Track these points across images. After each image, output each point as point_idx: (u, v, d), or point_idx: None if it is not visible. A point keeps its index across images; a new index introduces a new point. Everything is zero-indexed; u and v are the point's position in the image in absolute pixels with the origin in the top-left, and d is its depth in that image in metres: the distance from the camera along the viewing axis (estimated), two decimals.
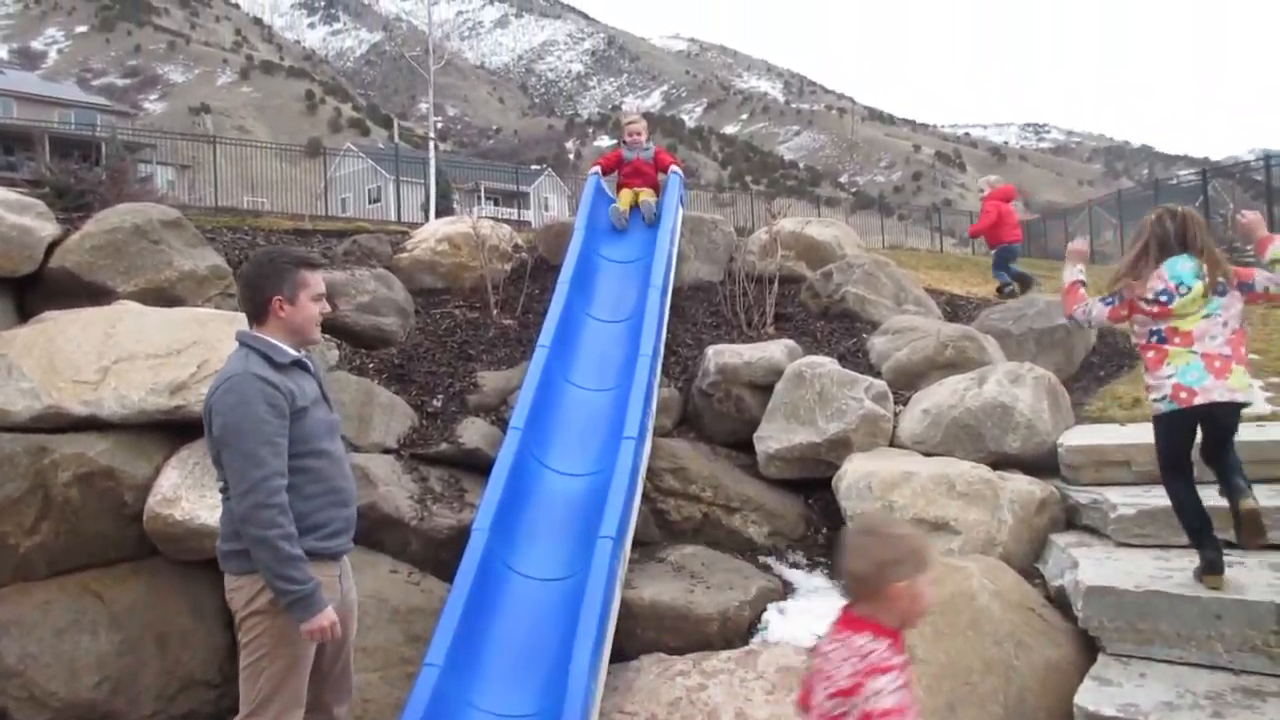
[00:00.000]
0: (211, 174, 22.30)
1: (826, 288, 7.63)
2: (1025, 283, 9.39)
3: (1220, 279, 3.86)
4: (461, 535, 4.71)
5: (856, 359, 6.58)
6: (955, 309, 8.54)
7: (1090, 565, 4.06)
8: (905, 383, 6.15)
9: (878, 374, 6.18)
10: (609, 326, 6.52)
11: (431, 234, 7.96)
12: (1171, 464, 4.00)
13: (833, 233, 8.68)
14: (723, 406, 6.06)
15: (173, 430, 4.97)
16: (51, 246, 5.71)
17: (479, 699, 4.05)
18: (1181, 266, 3.89)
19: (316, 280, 3.39)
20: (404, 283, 7.17)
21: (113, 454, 4.72)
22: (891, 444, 5.58)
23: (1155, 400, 3.97)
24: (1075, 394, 6.37)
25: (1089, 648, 3.84)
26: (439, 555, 4.92)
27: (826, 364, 5.86)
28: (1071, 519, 4.84)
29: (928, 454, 5.35)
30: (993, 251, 10.11)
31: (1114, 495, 4.56)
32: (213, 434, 3.22)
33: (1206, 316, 3.86)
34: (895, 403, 5.82)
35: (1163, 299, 3.89)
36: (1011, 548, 4.58)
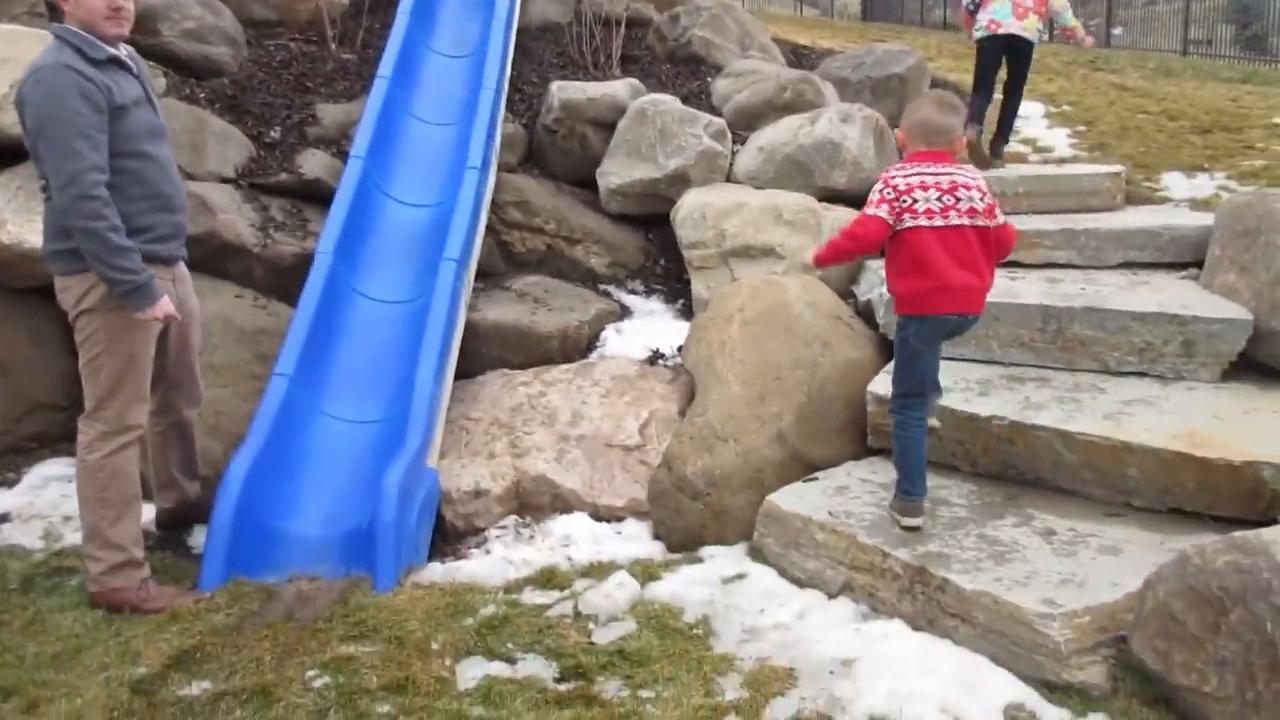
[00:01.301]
0: None
1: (673, 31, 7.61)
2: None
3: None
4: (305, 262, 4.75)
5: (699, 101, 6.70)
6: (799, 58, 8.66)
7: None
8: (745, 124, 6.33)
9: (719, 114, 6.34)
10: (452, 62, 6.38)
11: None
12: (981, 81, 6.27)
13: None
14: (566, 143, 6.14)
15: None
16: None
17: (329, 407, 4.25)
18: None
19: None
20: (233, 12, 6.75)
21: None
22: (728, 180, 5.83)
23: (978, 34, 6.12)
24: None
25: (887, 351, 4.31)
26: (283, 282, 4.96)
27: (668, 102, 5.96)
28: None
29: (761, 188, 5.62)
30: None
31: None
32: (26, 127, 3.13)
33: None
34: (734, 142, 6.02)
35: None
36: (830, 270, 4.96)
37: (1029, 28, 5.98)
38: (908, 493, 3.24)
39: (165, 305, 3.24)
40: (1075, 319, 3.98)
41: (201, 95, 5.91)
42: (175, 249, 3.53)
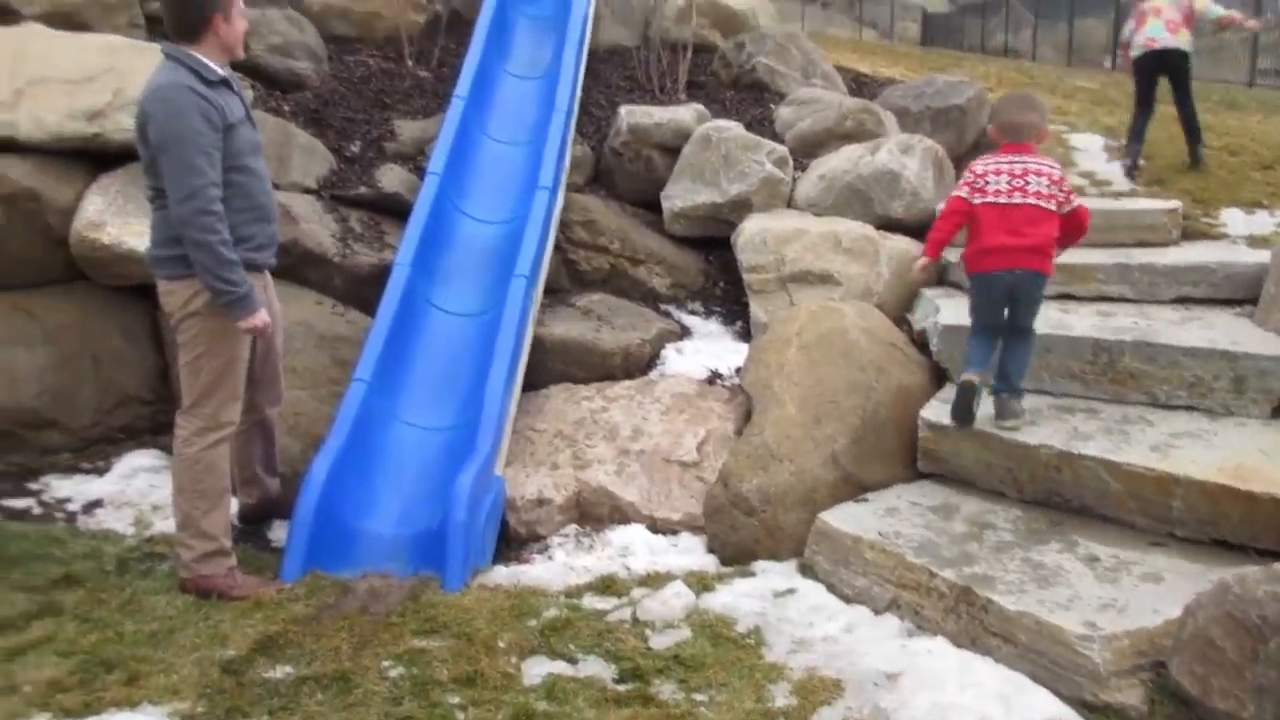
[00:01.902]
0: None
1: (738, 57, 7.79)
2: None
3: None
4: (382, 273, 4.99)
5: (762, 127, 6.87)
6: (861, 86, 8.79)
7: (949, 310, 4.62)
8: (806, 151, 6.49)
9: (781, 141, 6.50)
10: (525, 83, 6.62)
11: None
12: (1142, 98, 6.98)
13: (749, 3, 8.73)
14: (633, 166, 6.35)
15: (92, 158, 5.03)
16: None
17: (404, 413, 4.47)
18: None
19: None
20: (316, 28, 7.06)
21: (35, 176, 4.80)
22: (789, 206, 5.99)
23: (1135, 54, 6.93)
24: (963, 169, 6.81)
25: (939, 378, 4.45)
26: (361, 291, 5.20)
27: (733, 128, 6.14)
28: (942, 276, 5.36)
29: (820, 215, 5.77)
30: None
31: None
32: (148, 141, 3.36)
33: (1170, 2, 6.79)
34: (795, 169, 6.18)
35: None
36: (886, 298, 5.10)
37: (1182, 40, 6.77)
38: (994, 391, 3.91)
39: (262, 316, 3.49)
40: (1126, 352, 4.08)
41: (286, 108, 6.21)
42: (269, 257, 3.77)
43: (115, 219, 4.83)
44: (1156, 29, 6.79)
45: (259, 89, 6.17)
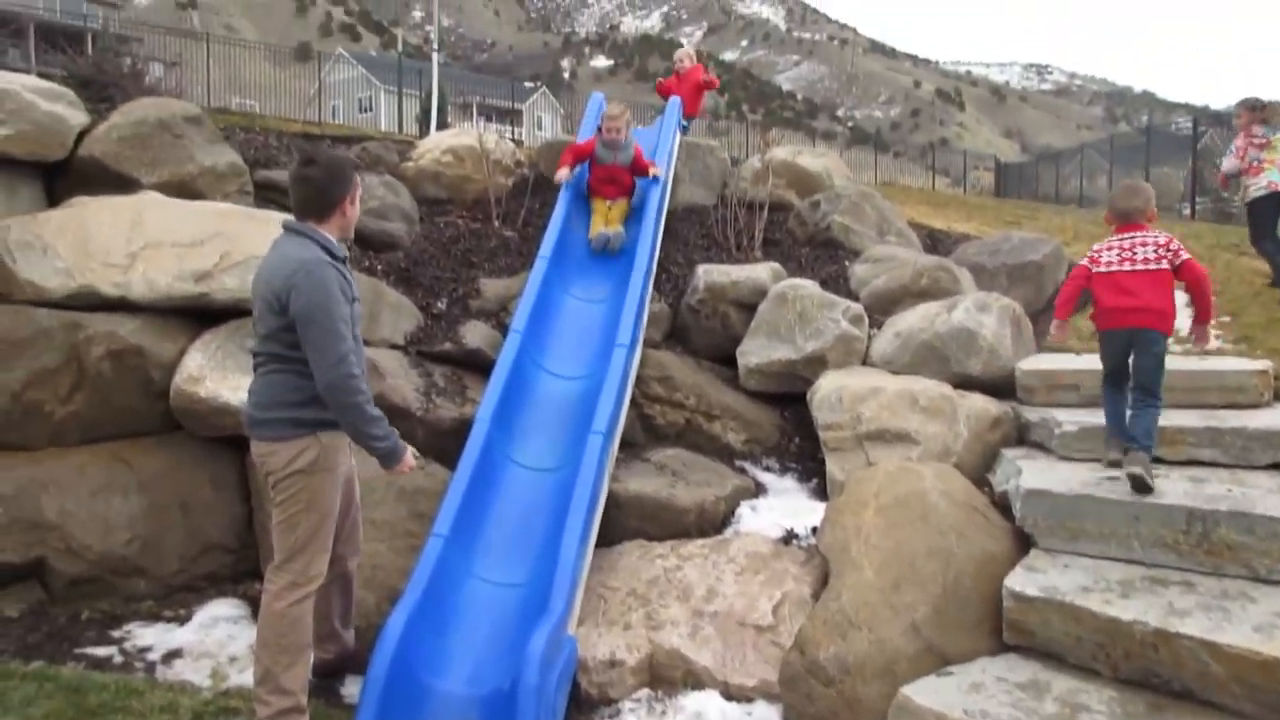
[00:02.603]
0: (199, 73, 22.10)
1: (813, 216, 7.98)
2: None
3: None
4: (463, 427, 5.11)
5: (837, 284, 6.97)
6: (935, 242, 8.91)
7: (1032, 473, 4.52)
8: (881, 308, 6.55)
9: (856, 299, 6.58)
10: None
11: (436, 145, 8.23)
12: (1267, 233, 7.61)
13: (823, 163, 9.00)
14: (709, 322, 6.47)
15: (195, 316, 5.33)
16: (81, 136, 5.97)
17: (479, 569, 4.49)
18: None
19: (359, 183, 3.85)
20: (410, 191, 7.48)
21: (141, 333, 5.10)
22: (864, 363, 6.01)
23: (1256, 193, 7.59)
24: (1041, 326, 6.78)
25: (1023, 545, 4.32)
26: (441, 444, 5.33)
27: (808, 286, 6.25)
28: (1023, 435, 5.29)
29: (896, 373, 5.77)
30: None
31: (1061, 414, 5.01)
32: (284, 310, 3.48)
33: None
34: (870, 326, 6.23)
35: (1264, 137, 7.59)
36: (965, 458, 5.03)
37: None
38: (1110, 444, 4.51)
39: (409, 460, 3.70)
40: (1222, 522, 3.92)
41: (379, 267, 6.52)
42: None
43: (214, 373, 5.07)
44: (1275, 174, 7.52)
45: (354, 249, 6.51)
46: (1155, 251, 4.37)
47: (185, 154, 6.14)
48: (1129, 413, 4.38)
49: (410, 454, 3.74)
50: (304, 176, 3.64)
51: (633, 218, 6.93)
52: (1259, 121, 7.69)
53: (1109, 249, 4.49)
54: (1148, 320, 4.35)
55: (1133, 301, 4.36)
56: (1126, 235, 4.47)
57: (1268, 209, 7.63)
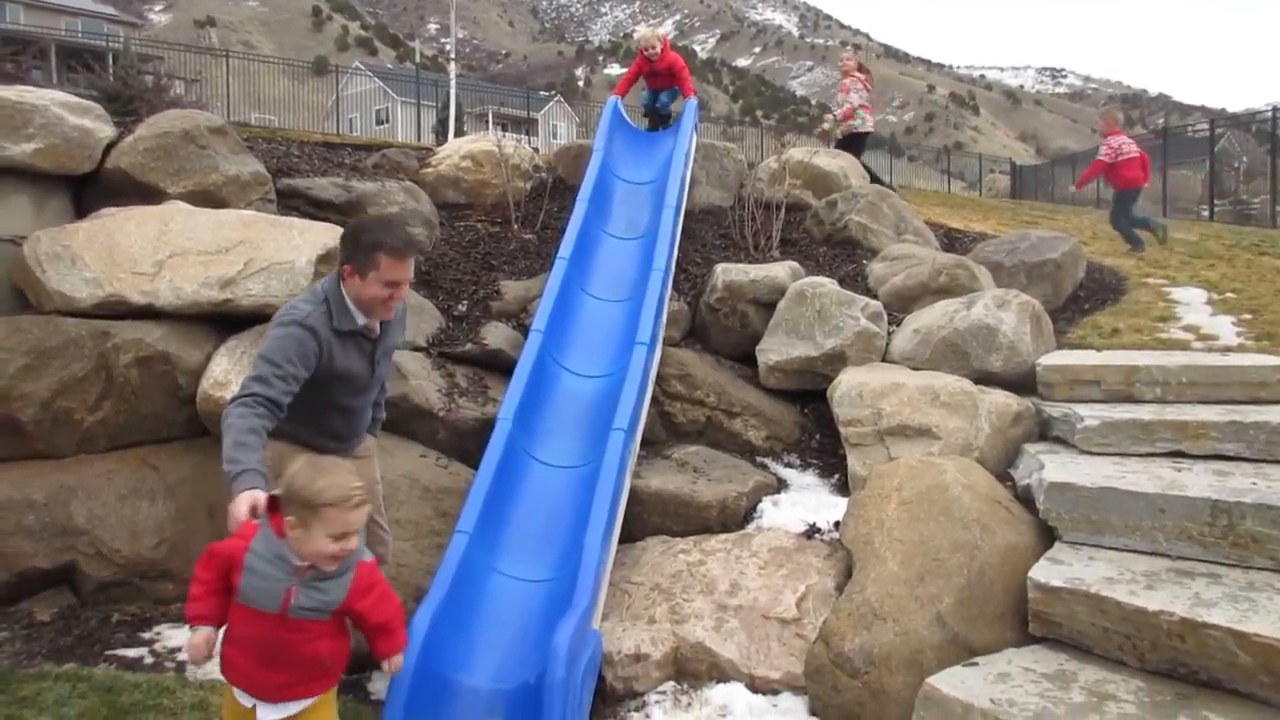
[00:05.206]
0: (219, 88, 22.35)
1: (830, 215, 8.00)
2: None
3: None
4: (485, 426, 5.15)
5: (855, 283, 6.99)
6: (952, 241, 8.90)
7: (1055, 467, 4.52)
8: (900, 306, 6.56)
9: (875, 297, 6.59)
10: (624, 243, 6.91)
11: (455, 151, 8.30)
12: None
13: (839, 164, 9.01)
14: (728, 321, 6.49)
15: (221, 322, 5.39)
16: (108, 148, 6.05)
17: (503, 565, 4.52)
18: None
19: (391, 267, 3.42)
20: (429, 196, 7.54)
21: (168, 340, 5.15)
22: (883, 360, 6.02)
23: None
24: (1060, 323, 6.79)
25: (1047, 537, 4.32)
26: (464, 444, 5.37)
27: (827, 284, 6.26)
28: (1044, 431, 5.29)
29: (916, 369, 5.78)
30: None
31: (1083, 410, 5.00)
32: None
33: None
34: (889, 323, 6.24)
35: None
36: (987, 453, 5.03)
37: None
38: None
39: (241, 505, 3.07)
40: (1247, 515, 3.91)
41: None
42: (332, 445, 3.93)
43: (239, 378, 5.10)
44: None
45: None
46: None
47: (209, 164, 6.21)
48: None
49: (247, 504, 2.96)
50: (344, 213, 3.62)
51: (650, 215, 6.98)
52: None
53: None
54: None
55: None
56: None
57: None
